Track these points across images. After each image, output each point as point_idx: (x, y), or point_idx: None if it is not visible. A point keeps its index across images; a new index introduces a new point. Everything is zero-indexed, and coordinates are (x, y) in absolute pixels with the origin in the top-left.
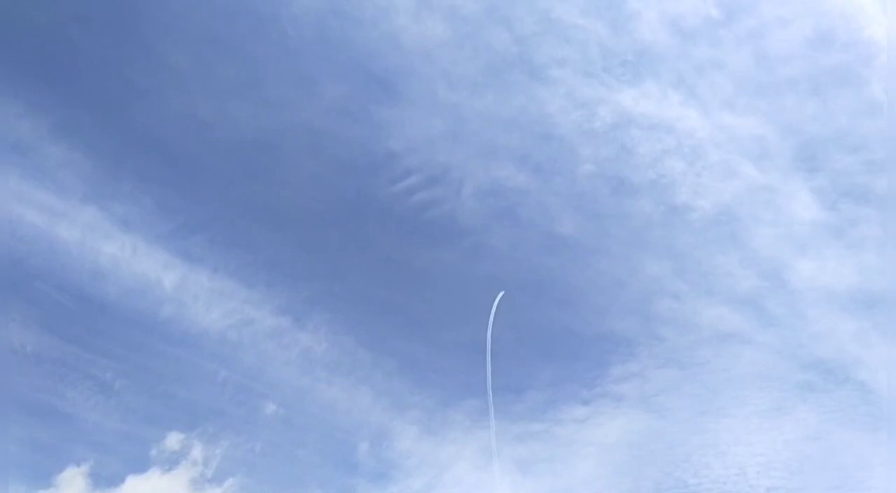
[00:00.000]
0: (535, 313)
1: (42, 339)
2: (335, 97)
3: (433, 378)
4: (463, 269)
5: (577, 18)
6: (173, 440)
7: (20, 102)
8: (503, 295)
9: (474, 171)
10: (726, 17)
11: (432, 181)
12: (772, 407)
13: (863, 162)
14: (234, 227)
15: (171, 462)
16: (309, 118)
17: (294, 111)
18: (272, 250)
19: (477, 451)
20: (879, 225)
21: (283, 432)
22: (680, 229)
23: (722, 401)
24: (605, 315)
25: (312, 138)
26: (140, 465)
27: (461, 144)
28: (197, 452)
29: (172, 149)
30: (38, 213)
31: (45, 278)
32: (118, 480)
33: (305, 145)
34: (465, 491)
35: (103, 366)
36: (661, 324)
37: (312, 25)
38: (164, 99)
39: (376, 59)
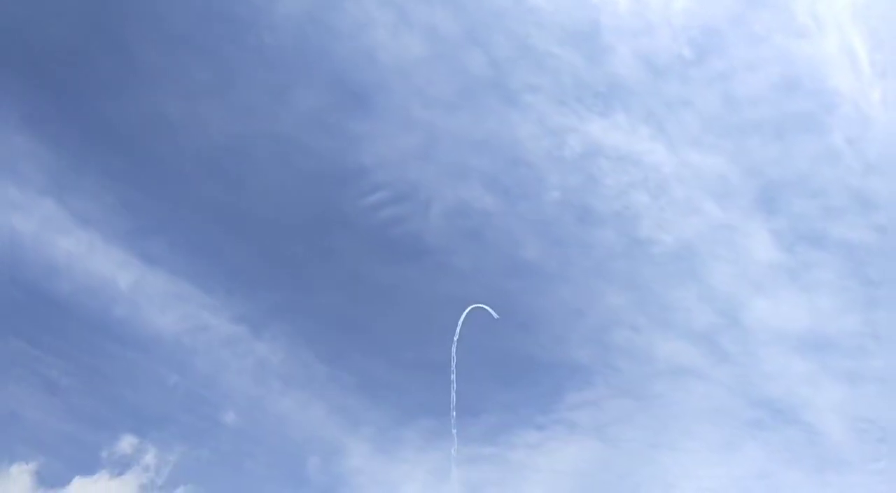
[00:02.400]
0: (495, 336)
1: None
2: (308, 107)
3: (389, 396)
4: (426, 287)
5: (552, 47)
6: (126, 443)
7: None
8: (472, 309)
9: (443, 190)
10: (697, 58)
11: (401, 198)
12: (721, 443)
13: (821, 207)
14: (197, 231)
15: (121, 466)
16: (280, 127)
17: (265, 119)
18: (234, 256)
19: (428, 471)
20: (833, 270)
21: (234, 442)
22: (641, 262)
23: (673, 434)
24: (564, 342)
25: (282, 147)
26: (88, 467)
27: (432, 163)
28: (150, 457)
29: (139, 147)
30: None
31: None
32: (64, 481)
33: (275, 154)
34: None
35: (49, 363)
36: (617, 354)
37: (290, 34)
38: (133, 96)
39: (352, 72)
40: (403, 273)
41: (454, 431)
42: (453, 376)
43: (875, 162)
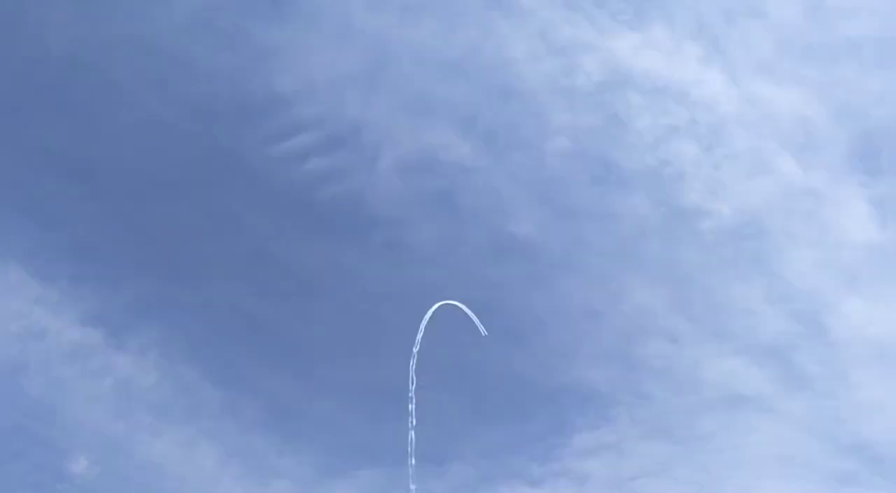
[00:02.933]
0: (471, 349)
1: None
2: (196, 6)
3: (315, 435)
4: (371, 275)
5: None
6: None
7: None
8: (440, 308)
9: (397, 133)
10: None
11: (335, 144)
12: None
13: None
14: (25, 190)
15: None
16: (153, 34)
17: (133, 22)
18: (83, 227)
19: None
20: None
21: None
22: (684, 243)
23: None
24: (571, 359)
25: (156, 64)
26: None
27: (380, 92)
28: None
29: None
30: None
31: None
32: None
33: (144, 74)
34: None
35: None
36: (648, 376)
37: None
38: None
39: None
40: (338, 254)
41: (413, 487)
42: (412, 406)
43: None
